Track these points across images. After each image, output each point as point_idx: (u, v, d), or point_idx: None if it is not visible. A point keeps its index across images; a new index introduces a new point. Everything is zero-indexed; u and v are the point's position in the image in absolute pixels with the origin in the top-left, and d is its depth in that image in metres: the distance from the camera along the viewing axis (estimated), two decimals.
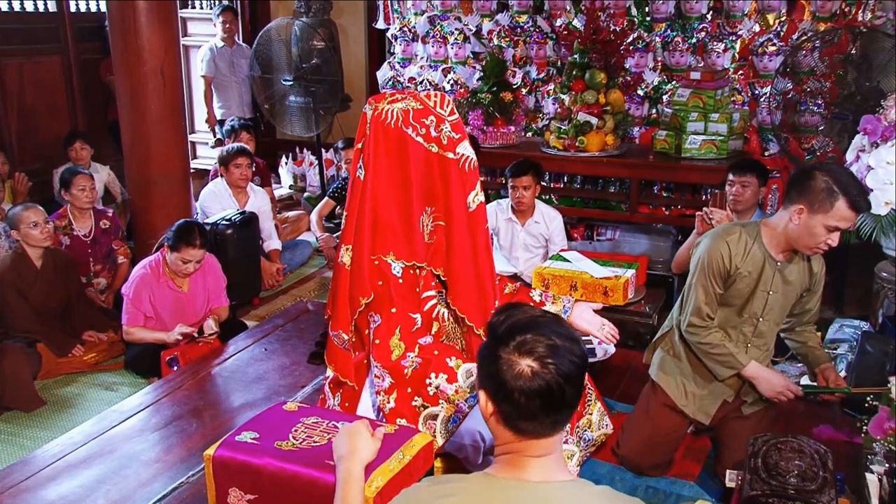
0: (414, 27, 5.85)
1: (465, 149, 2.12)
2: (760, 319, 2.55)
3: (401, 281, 2.14)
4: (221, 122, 6.32)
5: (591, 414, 2.51)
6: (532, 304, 2.34)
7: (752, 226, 2.53)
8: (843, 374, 3.09)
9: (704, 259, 2.51)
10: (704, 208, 3.57)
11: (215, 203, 4.80)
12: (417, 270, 2.18)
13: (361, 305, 2.15)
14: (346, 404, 2.27)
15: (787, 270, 2.50)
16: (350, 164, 5.37)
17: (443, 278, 2.17)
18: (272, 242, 5.07)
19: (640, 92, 5.22)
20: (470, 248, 2.14)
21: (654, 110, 5.22)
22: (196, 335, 3.82)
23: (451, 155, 2.10)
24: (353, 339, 2.25)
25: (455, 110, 2.13)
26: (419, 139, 2.09)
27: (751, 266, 2.47)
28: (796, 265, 2.51)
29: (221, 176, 4.97)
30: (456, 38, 5.66)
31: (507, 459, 1.33)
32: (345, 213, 2.20)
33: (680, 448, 2.75)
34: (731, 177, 3.77)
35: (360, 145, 2.15)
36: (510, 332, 1.28)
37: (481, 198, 2.17)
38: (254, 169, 5.68)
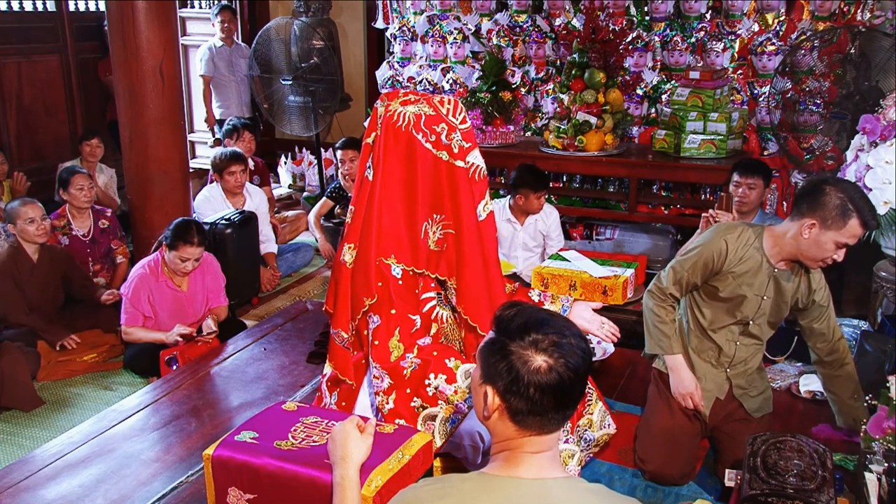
0: (413, 26, 5.85)
1: (476, 158, 2.12)
2: (751, 322, 2.55)
3: (400, 282, 2.13)
4: (220, 122, 6.32)
5: (591, 414, 2.50)
6: (531, 303, 2.33)
7: (757, 228, 2.51)
8: None
9: (701, 249, 2.51)
10: (711, 210, 3.53)
11: (210, 210, 4.73)
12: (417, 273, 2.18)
13: (365, 306, 2.13)
14: (343, 403, 2.26)
15: (784, 279, 2.49)
16: (344, 165, 5.41)
17: (452, 286, 2.16)
18: (268, 245, 5.02)
19: (640, 91, 5.22)
20: (480, 258, 2.13)
21: (653, 110, 5.22)
22: (195, 335, 3.82)
23: (461, 164, 2.09)
24: (353, 339, 2.24)
25: (467, 119, 2.12)
26: (428, 145, 2.08)
27: (745, 268, 2.47)
28: (795, 276, 2.50)
29: (214, 182, 4.94)
30: (455, 38, 5.66)
31: (504, 457, 1.34)
32: (351, 209, 2.19)
33: None
34: (736, 178, 3.71)
35: (369, 140, 2.15)
36: (525, 328, 1.29)
37: (491, 207, 2.17)
38: (253, 168, 5.69)
